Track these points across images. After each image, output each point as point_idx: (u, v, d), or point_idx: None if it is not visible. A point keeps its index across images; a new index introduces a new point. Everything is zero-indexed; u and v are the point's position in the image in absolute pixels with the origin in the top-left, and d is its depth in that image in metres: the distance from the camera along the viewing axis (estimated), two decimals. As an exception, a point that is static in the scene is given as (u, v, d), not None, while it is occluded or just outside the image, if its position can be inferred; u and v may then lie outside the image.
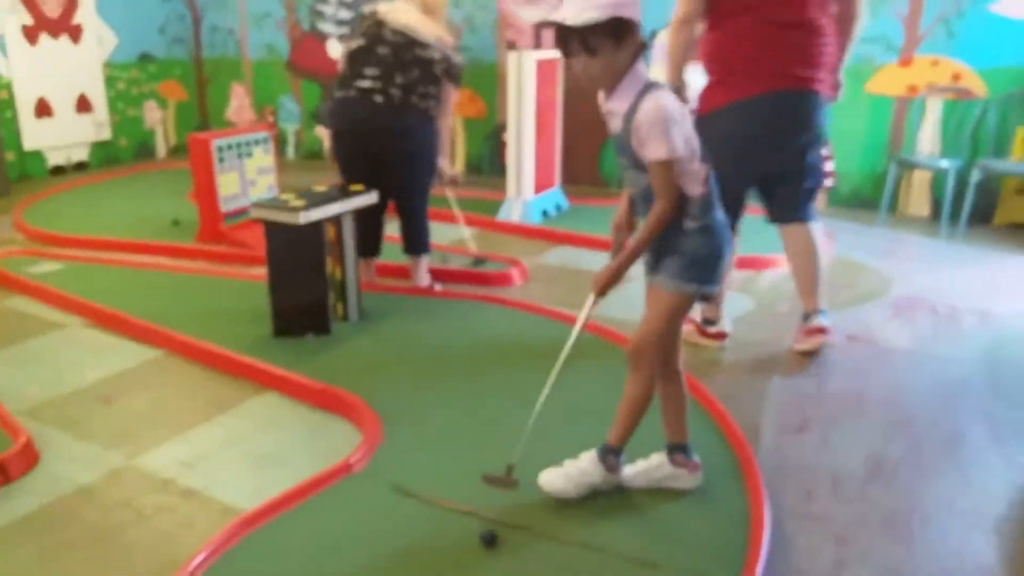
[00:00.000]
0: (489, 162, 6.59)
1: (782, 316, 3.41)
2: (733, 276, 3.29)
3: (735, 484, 2.12)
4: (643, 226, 1.87)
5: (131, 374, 2.90)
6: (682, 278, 1.88)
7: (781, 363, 2.96)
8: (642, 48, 1.79)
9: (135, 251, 4.42)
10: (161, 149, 7.82)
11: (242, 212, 4.51)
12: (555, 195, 5.28)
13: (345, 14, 7.00)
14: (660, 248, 1.90)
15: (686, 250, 1.87)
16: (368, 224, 3.45)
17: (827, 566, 1.85)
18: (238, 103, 7.90)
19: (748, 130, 2.74)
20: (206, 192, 4.43)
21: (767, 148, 2.79)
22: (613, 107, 1.84)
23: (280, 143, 7.49)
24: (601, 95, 1.88)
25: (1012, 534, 1.97)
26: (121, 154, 7.36)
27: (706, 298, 1.98)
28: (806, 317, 3.00)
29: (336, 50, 7.14)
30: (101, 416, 2.58)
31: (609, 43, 1.74)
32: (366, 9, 3.49)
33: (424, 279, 3.70)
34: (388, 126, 3.35)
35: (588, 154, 6.09)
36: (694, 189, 1.84)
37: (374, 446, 2.30)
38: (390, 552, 1.86)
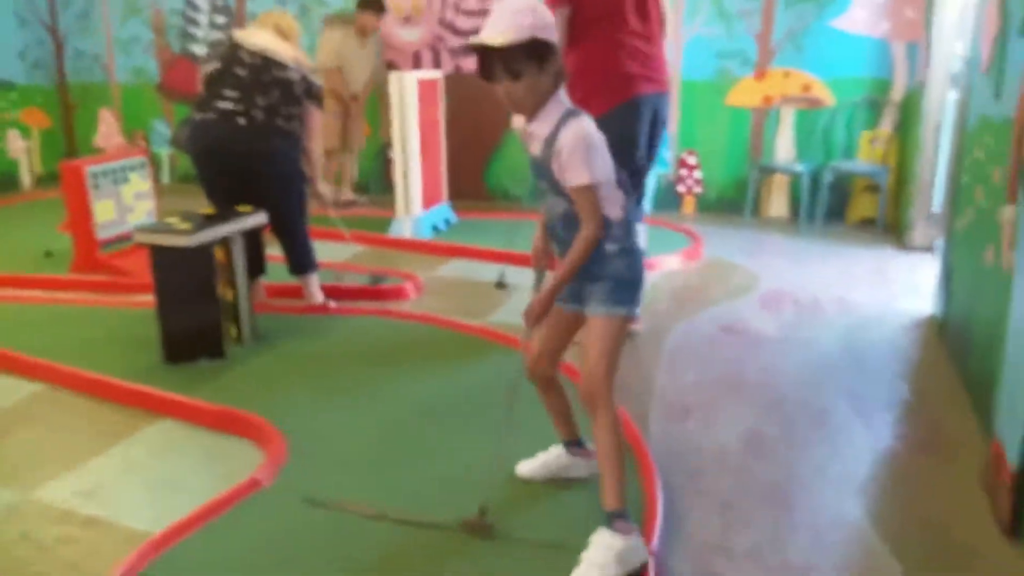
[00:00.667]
0: (377, 181, 6.62)
1: (662, 314, 3.63)
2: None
3: (630, 469, 2.23)
4: (571, 251, 1.82)
5: (15, 410, 2.77)
6: (611, 302, 1.86)
7: (664, 357, 3.15)
8: (563, 74, 1.80)
9: (5, 285, 4.17)
10: (26, 180, 7.37)
11: (120, 239, 4.36)
12: (444, 210, 5.38)
13: (217, 35, 6.87)
14: (582, 275, 1.86)
15: (610, 274, 1.85)
16: (247, 244, 3.41)
17: (716, 532, 2.02)
18: (106, 128, 7.56)
19: (628, 131, 2.96)
20: (81, 220, 4.24)
21: (642, 146, 3.04)
22: (534, 130, 1.83)
23: (155, 168, 7.23)
24: (519, 118, 1.88)
25: (875, 494, 2.21)
26: (-21, 186, 6.90)
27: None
28: None
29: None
30: (-15, 455, 2.46)
31: (531, 66, 1.74)
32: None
33: (316, 296, 3.69)
34: (256, 148, 3.35)
35: (473, 170, 6.23)
36: (614, 212, 1.84)
37: (280, 462, 2.30)
38: (307, 563, 1.88)
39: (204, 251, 3.01)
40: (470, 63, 5.99)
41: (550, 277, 1.90)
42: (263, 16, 3.59)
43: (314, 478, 2.23)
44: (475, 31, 6.17)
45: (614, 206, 1.84)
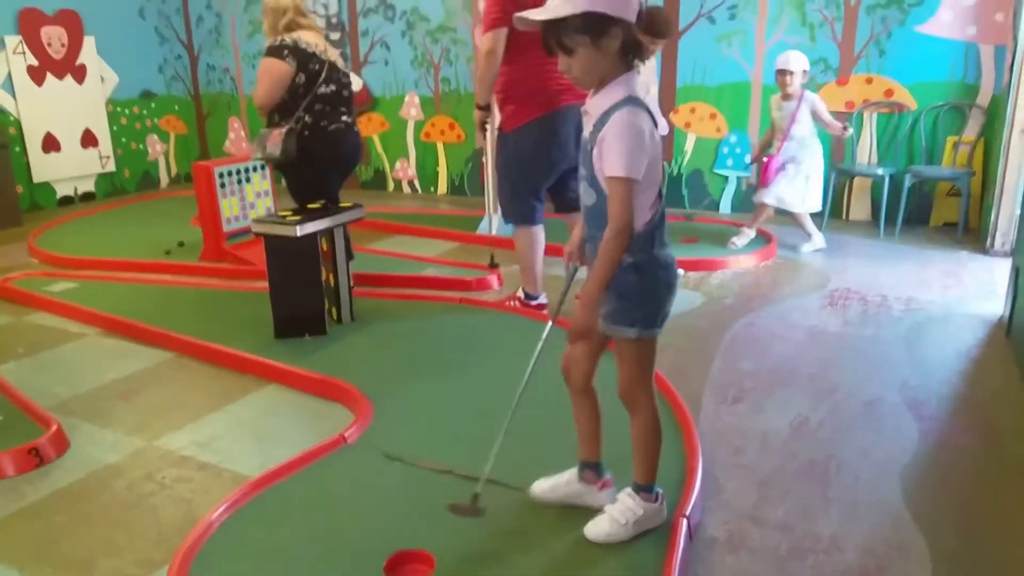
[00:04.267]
0: (469, 183, 7.00)
1: (726, 308, 3.78)
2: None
3: (676, 445, 2.41)
4: (597, 260, 1.72)
5: (146, 374, 3.23)
6: (617, 322, 1.79)
7: (724, 347, 3.30)
8: (632, 50, 1.67)
9: (144, 270, 4.77)
10: (164, 179, 8.22)
11: (243, 232, 4.88)
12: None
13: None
14: None
15: (618, 287, 1.75)
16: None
17: (751, 503, 2.17)
18: (235, 135, 8.31)
19: (552, 138, 3.42)
20: (210, 214, 4.79)
21: (563, 151, 3.45)
22: (589, 108, 1.72)
23: (274, 171, 7.88)
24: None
25: (915, 478, 2.28)
26: (125, 184, 7.74)
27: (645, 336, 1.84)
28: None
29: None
30: (122, 409, 2.91)
31: (584, 40, 1.62)
32: (289, 40, 3.70)
33: None
34: (360, 149, 4.03)
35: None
36: (637, 221, 1.71)
37: (366, 423, 2.62)
38: (381, 507, 2.15)
39: (310, 240, 3.40)
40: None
41: (583, 273, 1.85)
42: (297, 11, 3.77)
43: (394, 438, 2.52)
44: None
45: (641, 215, 1.72)
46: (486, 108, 3.57)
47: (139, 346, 3.53)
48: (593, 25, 1.61)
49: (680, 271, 2.09)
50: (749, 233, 4.78)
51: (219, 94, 8.28)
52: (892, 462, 2.36)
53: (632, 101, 1.66)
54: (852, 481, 2.27)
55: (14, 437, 2.57)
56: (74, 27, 7.08)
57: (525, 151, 3.48)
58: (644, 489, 1.96)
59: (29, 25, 6.76)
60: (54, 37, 6.94)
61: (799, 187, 4.61)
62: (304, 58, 3.69)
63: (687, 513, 2.02)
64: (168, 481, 2.40)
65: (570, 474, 2.08)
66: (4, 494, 2.34)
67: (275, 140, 3.67)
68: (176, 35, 8.20)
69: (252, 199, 5.09)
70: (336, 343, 3.40)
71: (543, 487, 2.09)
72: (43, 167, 6.94)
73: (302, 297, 3.46)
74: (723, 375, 3.03)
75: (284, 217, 3.42)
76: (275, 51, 3.68)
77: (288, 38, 3.71)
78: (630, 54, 1.68)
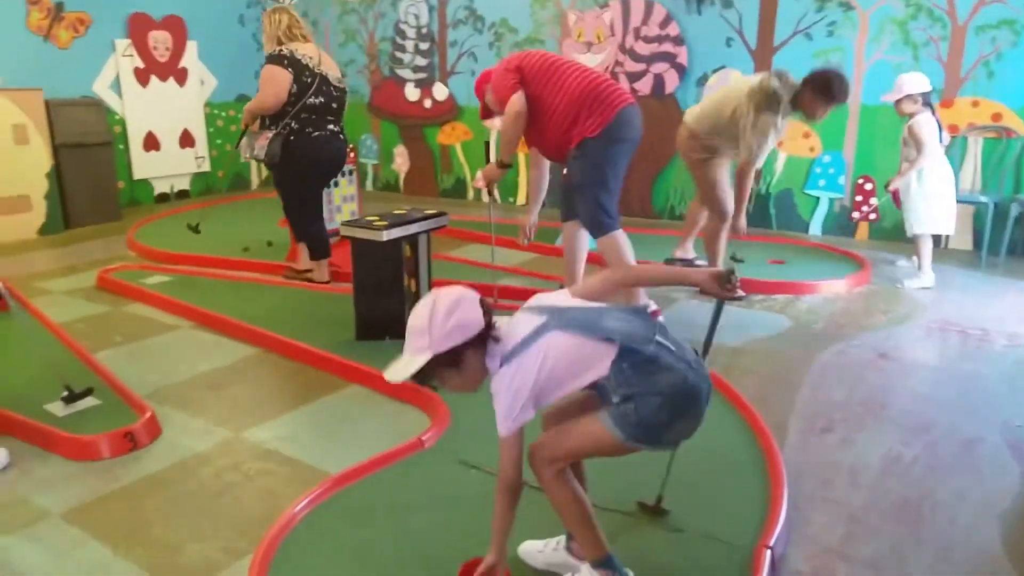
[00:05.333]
0: (547, 194, 6.98)
1: (815, 334, 3.65)
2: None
3: (759, 473, 2.36)
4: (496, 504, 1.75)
5: (234, 367, 3.34)
6: (613, 417, 1.66)
7: (812, 375, 3.20)
8: (483, 338, 1.64)
9: (234, 267, 4.94)
10: (255, 180, 8.52)
11: (328, 235, 4.99)
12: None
13: (421, 61, 7.57)
14: None
15: (618, 406, 1.66)
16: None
17: (839, 539, 2.08)
18: (322, 140, 8.54)
19: (627, 133, 3.44)
20: (298, 216, 4.91)
21: (635, 145, 3.52)
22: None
23: (360, 176, 8.07)
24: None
25: (1016, 523, 2.15)
26: (218, 184, 8.05)
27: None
28: None
29: (414, 94, 7.71)
30: (211, 400, 3.01)
31: (450, 372, 1.65)
32: (286, 51, 4.08)
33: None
34: (344, 155, 4.42)
35: (641, 188, 6.44)
36: (599, 371, 1.64)
37: (442, 429, 2.64)
38: (455, 513, 2.17)
39: (395, 245, 3.46)
40: (645, 86, 6.22)
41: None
42: (292, 20, 4.19)
43: (469, 445, 2.53)
44: (653, 57, 6.35)
45: (596, 371, 1.64)
46: (509, 166, 3.63)
47: (228, 340, 3.65)
48: (448, 360, 1.63)
49: (740, 293, 1.98)
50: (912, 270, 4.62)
51: (310, 100, 8.52)
52: (991, 505, 2.24)
53: (508, 359, 1.65)
54: (947, 523, 2.16)
55: (110, 421, 2.69)
56: (178, 32, 7.43)
57: (607, 152, 3.43)
58: (599, 565, 1.77)
59: (138, 29, 7.12)
60: (160, 41, 7.30)
61: (915, 208, 4.37)
62: (298, 69, 4.07)
63: (771, 544, 1.96)
64: (253, 473, 2.46)
65: (558, 540, 1.95)
66: (99, 474, 2.45)
67: (262, 143, 4.11)
68: (273, 42, 8.50)
69: (339, 203, 5.21)
70: (416, 347, 3.42)
71: (528, 548, 1.98)
72: (143, 165, 7.29)
73: (384, 300, 3.51)
74: (811, 404, 2.93)
75: (372, 222, 3.49)
76: (276, 59, 4.05)
77: (286, 49, 4.08)
78: (482, 347, 1.66)
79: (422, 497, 2.27)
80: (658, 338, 1.66)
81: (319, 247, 4.47)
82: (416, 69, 7.66)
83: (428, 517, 2.16)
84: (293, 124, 4.10)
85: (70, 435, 2.59)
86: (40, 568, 1.99)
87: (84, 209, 6.38)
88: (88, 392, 2.87)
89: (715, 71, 5.99)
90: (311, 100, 4.09)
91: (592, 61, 6.45)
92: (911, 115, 4.31)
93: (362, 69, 8.05)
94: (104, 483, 2.40)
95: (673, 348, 1.67)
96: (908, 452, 2.55)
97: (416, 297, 3.65)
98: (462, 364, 1.65)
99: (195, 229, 5.12)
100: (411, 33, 7.63)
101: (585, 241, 3.85)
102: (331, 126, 4.22)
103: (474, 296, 1.66)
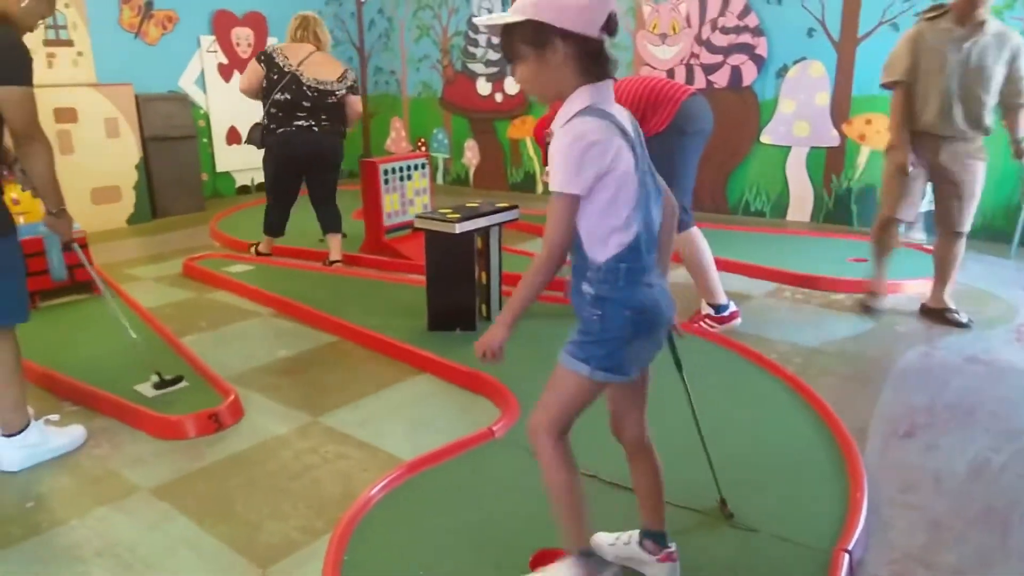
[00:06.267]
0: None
1: (898, 336, 3.53)
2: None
3: (838, 476, 2.30)
4: (521, 279, 1.58)
5: (311, 354, 3.44)
6: (571, 352, 1.60)
7: (894, 377, 3.09)
8: (588, 60, 1.48)
9: (310, 257, 5.08)
10: (327, 174, 8.72)
11: (401, 227, 5.09)
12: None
13: (493, 55, 7.61)
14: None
15: (583, 317, 1.60)
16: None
17: (920, 546, 2.01)
18: (396, 135, 8.69)
19: (695, 124, 3.36)
20: (373, 208, 5.03)
21: (706, 136, 3.47)
22: (552, 128, 1.54)
23: (432, 169, 8.18)
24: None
25: (1116, 539, 2.05)
26: (293, 178, 8.26)
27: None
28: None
29: (485, 88, 7.76)
30: (290, 384, 3.11)
31: (528, 51, 1.49)
32: (269, 48, 4.60)
33: (336, 253, 4.82)
34: (320, 148, 4.71)
35: (715, 183, 6.32)
36: (600, 253, 1.53)
37: (512, 420, 2.67)
38: (525, 502, 2.18)
39: (468, 238, 3.49)
40: (721, 78, 6.10)
41: None
42: (299, 25, 4.64)
43: (540, 436, 2.55)
44: (730, 48, 6.24)
45: (602, 245, 1.53)
46: None
47: (305, 328, 3.76)
48: (534, 35, 1.47)
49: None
50: None
51: (384, 95, 8.69)
52: (1089, 519, 2.12)
53: (587, 112, 1.47)
54: (1037, 533, 2.06)
55: (197, 402, 2.81)
56: (260, 28, 7.66)
57: (675, 146, 3.35)
58: (579, 556, 1.67)
59: (222, 26, 7.38)
60: (242, 37, 7.54)
61: None
62: (269, 66, 4.54)
63: (849, 548, 1.91)
64: (330, 456, 2.54)
65: (631, 535, 1.87)
66: (186, 452, 2.56)
67: (253, 129, 4.79)
68: (349, 38, 8.69)
69: (411, 196, 5.30)
70: (486, 339, 3.46)
71: (600, 541, 1.90)
72: (225, 158, 7.55)
73: (456, 292, 3.56)
74: (893, 407, 2.83)
75: (445, 215, 3.53)
76: (257, 56, 4.61)
77: (269, 47, 4.61)
78: (596, 66, 1.50)
79: (492, 486, 2.29)
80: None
81: (268, 227, 5.02)
82: (488, 64, 7.71)
83: (499, 506, 2.19)
84: (265, 118, 4.67)
85: (159, 415, 2.71)
86: (133, 539, 2.10)
87: (170, 199, 6.66)
88: (178, 380, 3.00)
89: (795, 62, 5.83)
90: (277, 96, 4.53)
91: (667, 53, 6.37)
92: None
93: (435, 64, 8.14)
94: (190, 461, 2.51)
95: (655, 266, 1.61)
96: (996, 459, 2.45)
97: (487, 290, 3.68)
98: (548, 54, 1.47)
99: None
100: (484, 30, 7.65)
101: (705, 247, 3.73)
102: (300, 122, 4.57)
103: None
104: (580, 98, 1.49)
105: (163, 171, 6.59)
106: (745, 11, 5.95)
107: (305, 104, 4.55)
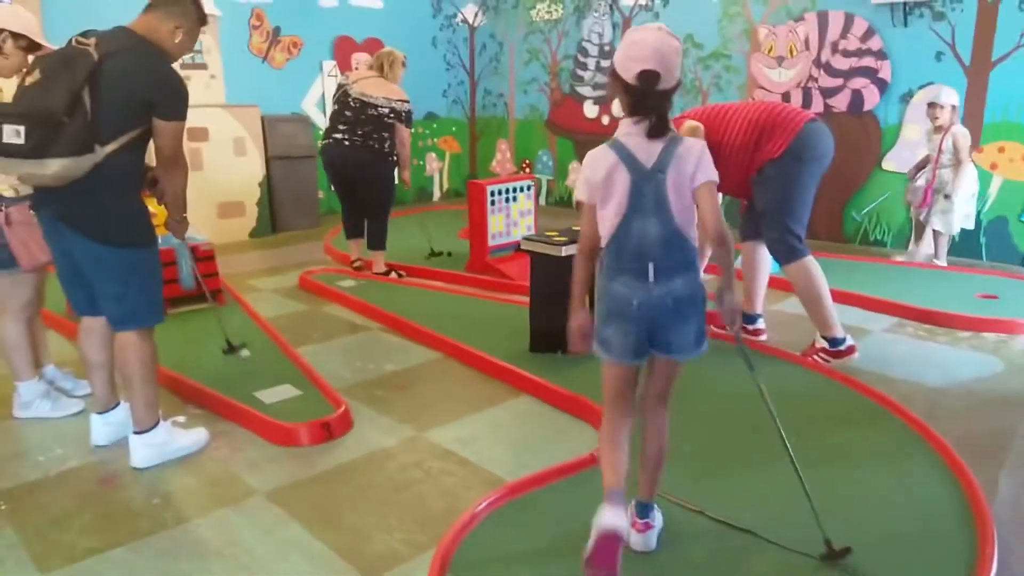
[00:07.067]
0: (731, 220, 6.79)
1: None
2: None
3: (964, 527, 2.16)
4: None
5: (418, 370, 3.52)
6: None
7: (1030, 423, 2.88)
8: (628, 99, 1.88)
9: (417, 274, 5.21)
10: (436, 193, 8.96)
11: (505, 247, 5.16)
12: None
13: (601, 79, 7.62)
14: None
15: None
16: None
17: (1056, 609, 1.88)
18: (501, 156, 8.84)
19: (814, 151, 3.30)
20: (479, 228, 5.12)
21: (826, 161, 3.38)
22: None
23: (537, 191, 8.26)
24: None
25: None
26: (404, 196, 8.52)
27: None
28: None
29: (592, 111, 7.79)
30: (397, 398, 3.19)
31: (612, 86, 1.93)
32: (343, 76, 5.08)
33: (380, 267, 5.15)
34: (355, 160, 4.91)
35: (831, 212, 6.09)
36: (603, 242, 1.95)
37: (616, 446, 2.64)
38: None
39: (573, 261, 3.49)
40: (841, 102, 5.89)
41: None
42: (376, 56, 5.04)
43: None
44: (851, 71, 6.01)
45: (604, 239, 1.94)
46: None
47: (412, 344, 3.85)
48: (609, 73, 1.91)
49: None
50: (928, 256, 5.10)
51: (491, 118, 8.85)
52: None
53: (609, 141, 1.91)
54: None
55: (310, 411, 2.92)
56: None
57: (792, 173, 3.28)
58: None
59: (342, 51, 7.72)
60: (361, 62, 7.84)
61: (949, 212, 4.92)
62: (339, 86, 5.04)
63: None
64: (434, 471, 2.58)
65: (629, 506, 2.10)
66: (298, 459, 2.67)
67: None
68: (461, 62, 8.91)
69: (516, 217, 5.36)
70: (585, 362, 3.41)
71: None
72: (341, 176, 7.86)
73: (559, 315, 3.53)
74: (1026, 455, 2.64)
75: (551, 237, 3.55)
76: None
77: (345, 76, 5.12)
78: (632, 106, 1.87)
79: (590, 514, 2.26)
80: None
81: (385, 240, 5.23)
82: (596, 87, 7.73)
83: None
84: None
85: (276, 422, 2.84)
86: (249, 541, 2.20)
87: (289, 215, 7.00)
88: (242, 347, 3.55)
89: (921, 87, 5.57)
90: (333, 108, 4.98)
91: (783, 76, 6.22)
92: (941, 128, 4.92)
93: (543, 87, 8.23)
94: (303, 468, 2.61)
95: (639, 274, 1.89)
96: None
97: (592, 312, 3.66)
98: (610, 90, 2.04)
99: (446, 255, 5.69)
100: (593, 51, 7.71)
101: (766, 262, 3.70)
102: (337, 134, 4.89)
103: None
104: (618, 129, 1.94)
105: (284, 188, 6.94)
106: (868, 34, 5.73)
107: (347, 115, 4.86)
